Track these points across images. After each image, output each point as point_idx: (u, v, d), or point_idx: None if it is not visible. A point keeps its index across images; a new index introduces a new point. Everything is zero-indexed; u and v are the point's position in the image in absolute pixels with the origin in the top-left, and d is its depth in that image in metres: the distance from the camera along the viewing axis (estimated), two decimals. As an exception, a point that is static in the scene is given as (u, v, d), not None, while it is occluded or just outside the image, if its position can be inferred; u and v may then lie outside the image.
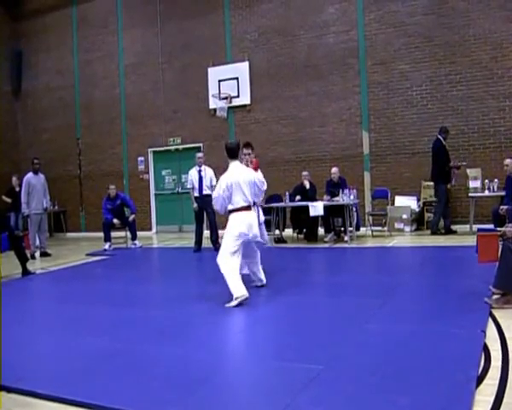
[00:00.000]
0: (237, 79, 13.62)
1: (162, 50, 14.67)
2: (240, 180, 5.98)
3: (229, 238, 5.87)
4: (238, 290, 5.57)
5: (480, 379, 3.37)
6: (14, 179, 13.77)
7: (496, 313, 4.83)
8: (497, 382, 3.32)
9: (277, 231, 11.56)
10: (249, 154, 7.00)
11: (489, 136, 11.42)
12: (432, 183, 11.61)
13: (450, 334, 4.24)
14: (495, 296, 5.15)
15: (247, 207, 6.02)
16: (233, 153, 6.12)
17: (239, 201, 5.96)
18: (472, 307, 4.99)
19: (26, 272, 8.73)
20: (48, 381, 3.75)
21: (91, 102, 15.81)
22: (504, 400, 3.08)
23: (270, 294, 6.03)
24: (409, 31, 12.01)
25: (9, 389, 3.63)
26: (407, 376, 3.44)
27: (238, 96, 13.66)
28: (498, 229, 7.95)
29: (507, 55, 11.21)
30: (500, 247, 5.49)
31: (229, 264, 5.74)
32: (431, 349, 3.94)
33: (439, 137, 11.04)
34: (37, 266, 9.94)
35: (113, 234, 12.19)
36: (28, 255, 9.49)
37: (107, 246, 11.82)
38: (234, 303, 5.50)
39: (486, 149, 11.43)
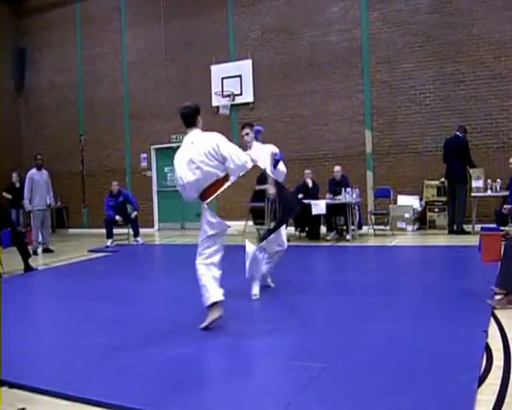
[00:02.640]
0: (240, 76, 13.55)
1: (165, 48, 14.64)
2: (191, 156, 4.67)
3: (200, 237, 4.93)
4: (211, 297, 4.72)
5: (481, 379, 3.37)
6: (15, 176, 13.82)
7: (498, 312, 4.82)
8: (499, 382, 3.31)
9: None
10: (247, 134, 5.87)
11: (491, 135, 11.39)
12: (434, 182, 11.64)
13: (453, 334, 4.23)
14: (497, 296, 5.14)
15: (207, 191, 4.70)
16: (186, 120, 4.80)
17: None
18: (474, 307, 4.97)
19: (28, 268, 8.74)
20: (49, 377, 3.74)
21: (94, 99, 15.78)
22: (506, 399, 3.08)
23: (271, 292, 6.01)
24: (412, 30, 11.98)
25: (11, 385, 3.64)
26: (409, 376, 3.43)
27: (241, 94, 13.60)
28: (501, 228, 7.99)
29: (510, 54, 11.18)
30: (503, 246, 5.49)
31: (201, 270, 4.82)
32: (433, 349, 3.90)
33: (459, 134, 10.83)
34: (39, 262, 9.92)
35: (116, 231, 12.17)
36: (30, 251, 9.50)
37: (109, 243, 11.79)
38: (204, 324, 4.69)
39: (489, 148, 11.40)
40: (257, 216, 5.51)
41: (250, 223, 5.75)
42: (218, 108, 13.69)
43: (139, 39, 15.09)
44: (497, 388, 3.23)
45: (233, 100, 13.65)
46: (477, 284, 5.91)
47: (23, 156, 16.22)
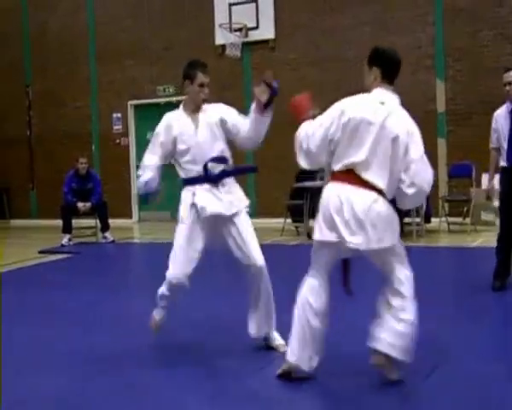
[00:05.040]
0: (256, 2, 11.28)
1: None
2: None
3: None
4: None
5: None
6: None
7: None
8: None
9: (312, 222, 8.59)
10: (208, 84, 4.21)
11: None
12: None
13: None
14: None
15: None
16: (396, 70, 3.45)
17: None
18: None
19: None
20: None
21: (45, 32, 13.03)
22: None
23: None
24: None
25: None
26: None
27: (257, 28, 11.45)
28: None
29: None
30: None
31: None
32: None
33: None
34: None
35: (79, 223, 10.32)
36: None
37: (65, 240, 9.79)
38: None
39: None
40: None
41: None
42: (223, 47, 11.60)
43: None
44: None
45: (246, 36, 11.56)
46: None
47: None
